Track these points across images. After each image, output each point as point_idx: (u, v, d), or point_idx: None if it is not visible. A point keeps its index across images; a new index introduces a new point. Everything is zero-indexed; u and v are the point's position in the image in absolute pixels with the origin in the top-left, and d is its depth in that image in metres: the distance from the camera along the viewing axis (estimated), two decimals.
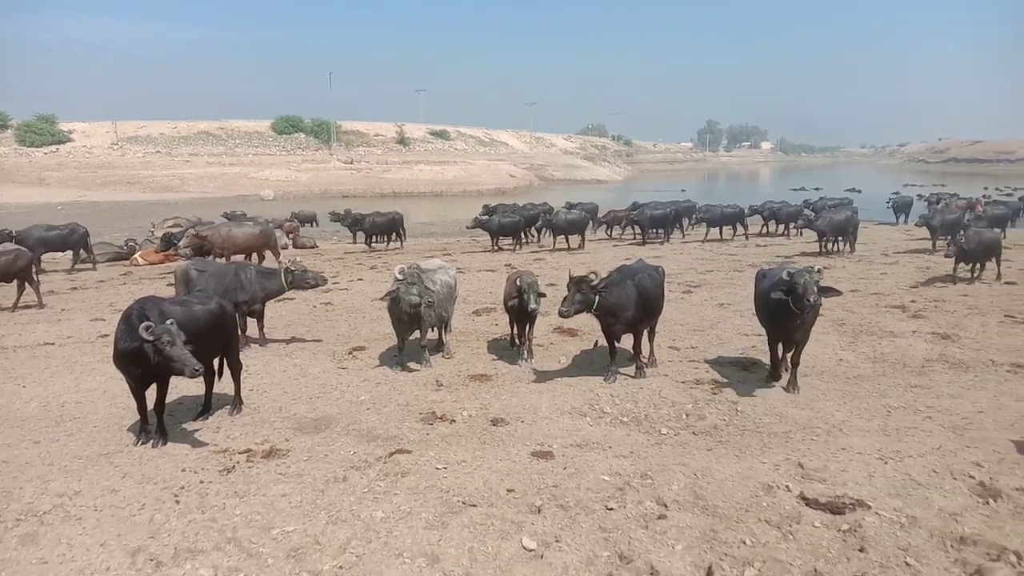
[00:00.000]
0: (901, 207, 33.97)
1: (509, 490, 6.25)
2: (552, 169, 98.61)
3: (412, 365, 10.15)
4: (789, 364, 9.04)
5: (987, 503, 5.88)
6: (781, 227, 29.60)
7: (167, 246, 23.22)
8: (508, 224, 25.98)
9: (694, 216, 29.59)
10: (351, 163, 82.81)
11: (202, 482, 6.44)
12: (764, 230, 30.19)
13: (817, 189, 56.15)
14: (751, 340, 11.41)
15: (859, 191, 48.82)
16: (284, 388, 9.33)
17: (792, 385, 8.91)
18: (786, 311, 8.43)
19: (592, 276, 8.83)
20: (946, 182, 72.31)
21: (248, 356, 10.35)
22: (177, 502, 6.04)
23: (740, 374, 9.78)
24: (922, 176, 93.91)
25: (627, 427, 7.93)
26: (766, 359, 9.60)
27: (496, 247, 25.69)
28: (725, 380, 9.45)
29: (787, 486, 6.15)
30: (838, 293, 8.94)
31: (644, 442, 7.44)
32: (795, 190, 59.38)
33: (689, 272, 19.16)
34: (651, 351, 10.27)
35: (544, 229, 27.13)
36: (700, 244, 26.61)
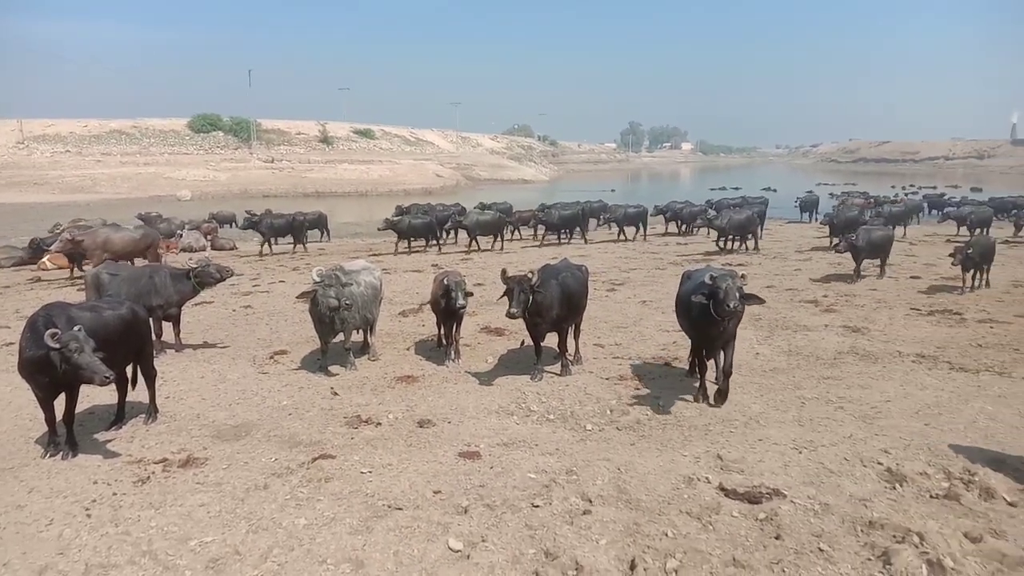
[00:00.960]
0: (808, 206, 35.45)
1: (436, 492, 6.22)
2: (479, 169, 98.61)
3: (336, 368, 9.98)
4: (721, 374, 8.51)
5: (894, 488, 6.16)
6: (684, 226, 30.25)
7: (35, 252, 21.76)
8: (418, 225, 25.41)
9: (600, 216, 29.77)
10: (272, 162, 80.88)
11: (115, 494, 6.18)
12: (668, 229, 30.69)
13: (736, 188, 57.77)
14: (672, 336, 11.65)
15: (775, 190, 50.44)
16: (202, 395, 9.04)
17: (723, 395, 8.41)
18: (707, 316, 8.05)
19: (530, 274, 8.91)
20: (856, 181, 75.43)
21: (164, 362, 10.00)
22: (88, 516, 5.78)
23: (662, 369, 10.00)
24: (834, 175, 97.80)
25: (553, 424, 8.00)
26: (687, 354, 9.81)
27: (407, 249, 25.11)
28: (648, 376, 9.65)
29: (707, 478, 6.30)
30: (760, 301, 8.23)
31: (570, 439, 7.51)
32: (714, 189, 61.00)
33: (613, 270, 19.45)
34: (576, 349, 10.36)
35: (456, 230, 26.27)
36: (623, 243, 27.02)
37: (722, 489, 6.09)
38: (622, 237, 28.43)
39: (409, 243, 25.38)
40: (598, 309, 14.13)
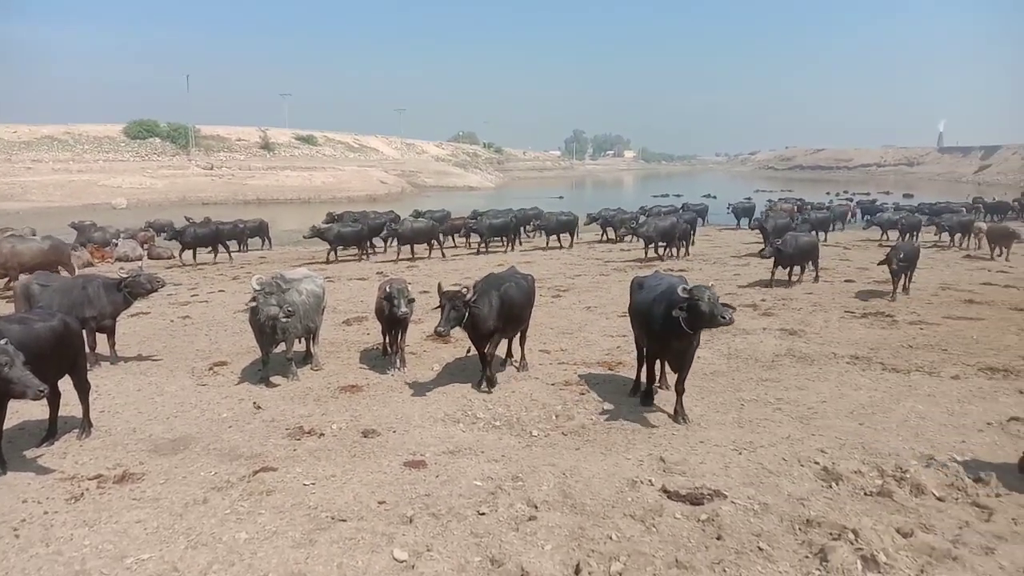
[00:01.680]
0: (741, 212, 36.11)
1: (380, 502, 6.16)
2: (424, 176, 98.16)
3: (277, 379, 9.80)
4: (674, 391, 8.25)
5: (830, 487, 6.34)
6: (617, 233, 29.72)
7: None
8: (348, 234, 24.46)
9: (531, 224, 29.38)
10: (212, 169, 79.10)
11: (46, 513, 5.95)
12: (603, 237, 30.50)
13: (679, 195, 58.72)
14: (616, 341, 11.81)
15: (715, 197, 51.38)
16: (138, 408, 8.77)
17: (680, 415, 8.15)
18: (678, 330, 7.65)
19: (464, 290, 8.81)
20: (793, 188, 77.65)
21: (98, 375, 9.68)
22: (17, 536, 5.55)
23: (607, 374, 10.10)
24: (771, 182, 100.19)
25: (499, 431, 8.01)
26: (630, 359, 9.88)
27: (336, 258, 23.94)
28: (593, 380, 9.73)
29: (650, 480, 6.39)
30: (732, 310, 7.76)
31: (516, 445, 7.53)
32: (657, 196, 61.97)
33: (558, 277, 19.59)
34: (522, 355, 10.39)
35: (390, 239, 25.10)
36: (567, 250, 27.15)
37: (665, 491, 6.18)
38: (553, 244, 28.08)
39: (337, 252, 24.14)
40: (544, 315, 14.22)
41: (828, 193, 63.17)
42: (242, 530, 5.64)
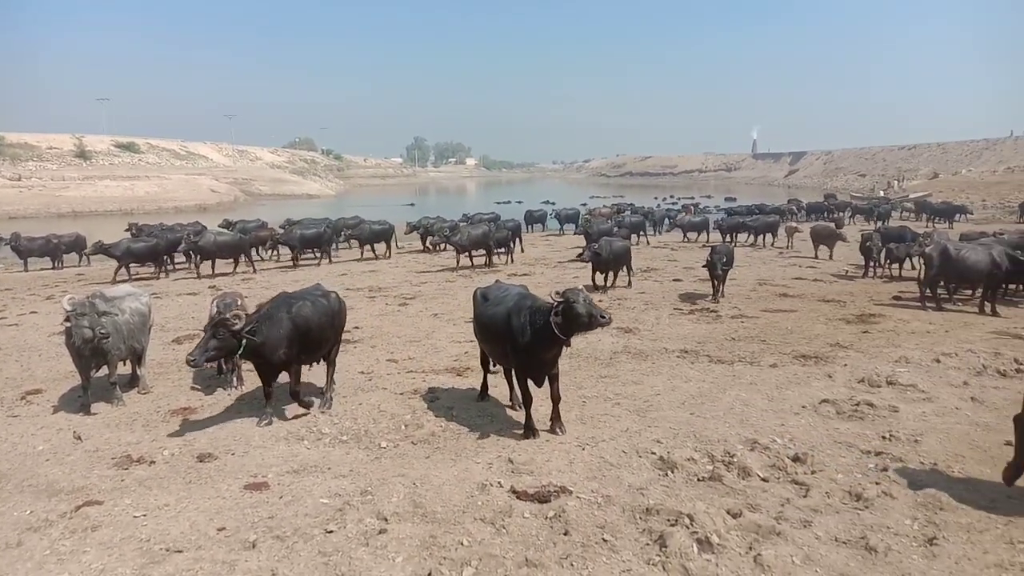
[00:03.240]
0: (565, 219, 37.35)
1: (220, 529, 5.84)
2: (259, 184, 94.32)
3: (100, 406, 9.06)
4: (551, 401, 7.94)
5: (666, 475, 6.71)
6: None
7: None
8: (139, 249, 22.03)
9: (343, 234, 27.55)
10: (19, 179, 71.91)
11: None
12: (424, 246, 28.71)
13: (520, 202, 60.07)
14: (464, 347, 11.88)
15: (552, 203, 53.03)
16: None
17: (558, 424, 7.88)
18: (549, 337, 7.31)
19: (235, 319, 7.84)
20: (624, 193, 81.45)
21: None
22: None
23: (455, 380, 10.14)
24: (604, 188, 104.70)
25: (347, 445, 7.82)
26: (477, 364, 9.83)
27: (126, 276, 21.38)
28: (441, 387, 9.73)
29: (499, 482, 6.48)
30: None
31: (364, 458, 7.39)
32: (499, 203, 63.07)
33: (404, 285, 19.44)
34: (329, 379, 9.30)
35: (193, 253, 22.44)
36: (414, 256, 26.99)
37: (514, 492, 6.29)
38: (369, 255, 26.49)
39: (128, 269, 21.79)
40: (390, 324, 14.10)
41: (656, 198, 66.75)
42: (64, 571, 5.18)
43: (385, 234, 26.91)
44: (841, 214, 37.34)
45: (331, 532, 5.69)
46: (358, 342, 12.57)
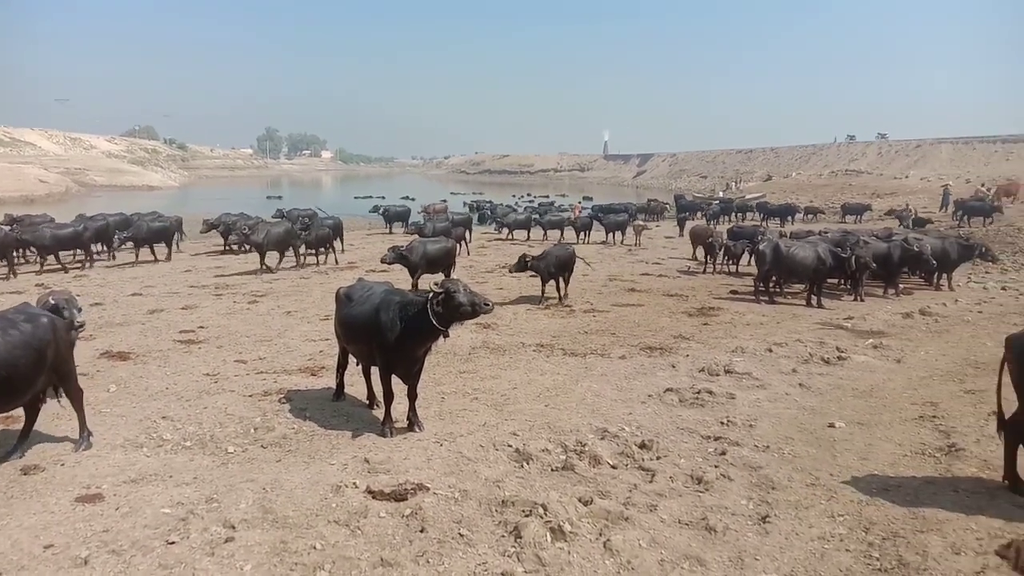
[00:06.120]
0: (394, 216, 34.40)
1: (47, 546, 5.36)
2: (94, 174, 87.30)
3: None
4: (407, 399, 7.87)
5: (522, 467, 6.83)
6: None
7: None
8: None
9: (116, 238, 22.37)
10: None
11: None
12: (227, 246, 25.66)
13: (382, 197, 58.96)
14: (319, 346, 11.58)
15: (412, 199, 52.53)
16: None
17: (416, 421, 7.88)
18: (425, 330, 7.28)
19: None
20: (483, 191, 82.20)
21: None
22: None
23: (309, 380, 9.85)
24: (464, 185, 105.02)
25: (191, 452, 7.40)
26: (333, 362, 9.59)
27: None
28: (294, 388, 9.42)
29: (355, 483, 6.35)
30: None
31: (209, 465, 7.02)
32: (359, 198, 61.93)
33: (254, 282, 18.65)
34: (81, 424, 7.52)
35: None
36: (167, 262, 22.81)
37: (369, 492, 6.18)
38: (149, 257, 22.61)
39: None
40: (239, 323, 13.51)
41: (514, 195, 67.78)
42: None
43: (166, 232, 23.42)
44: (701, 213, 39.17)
45: (173, 543, 5.37)
46: (203, 342, 11.95)
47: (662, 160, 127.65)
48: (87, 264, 21.23)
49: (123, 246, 22.30)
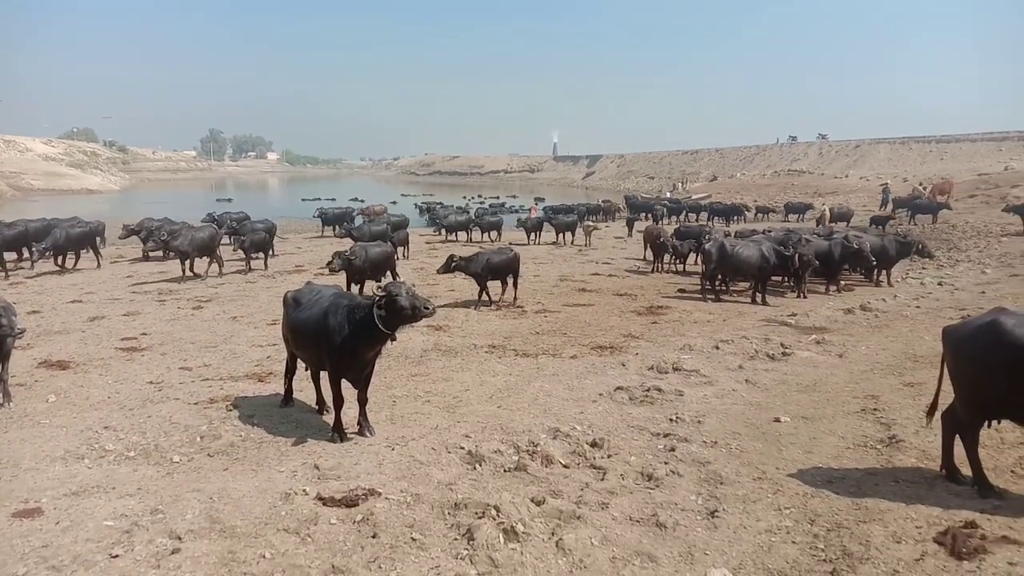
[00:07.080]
0: (332, 219, 33.91)
1: None
2: (30, 177, 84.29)
3: None
4: (357, 404, 7.80)
5: (474, 468, 6.83)
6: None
7: None
8: None
9: (35, 250, 20.29)
10: None
11: None
12: (145, 253, 23.62)
13: (332, 199, 58.21)
14: (266, 351, 11.39)
15: (362, 200, 52.06)
16: None
17: (367, 426, 7.81)
18: (370, 335, 7.23)
19: None
20: (434, 192, 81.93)
21: None
22: None
23: (256, 386, 9.68)
24: (414, 187, 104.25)
25: (134, 462, 7.21)
26: (281, 368, 9.38)
27: None
28: (242, 395, 9.24)
29: (304, 490, 6.26)
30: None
31: (154, 475, 6.85)
32: (306, 200, 61.09)
33: (199, 287, 18.26)
34: None
35: None
36: (96, 270, 21.71)
37: (320, 498, 6.10)
38: (59, 264, 21.60)
39: None
40: (183, 329, 13.21)
41: (464, 197, 67.66)
42: None
43: (87, 238, 22.18)
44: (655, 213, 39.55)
45: (116, 557, 5.22)
46: (146, 350, 11.64)
47: (610, 161, 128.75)
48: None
49: (42, 257, 20.75)
